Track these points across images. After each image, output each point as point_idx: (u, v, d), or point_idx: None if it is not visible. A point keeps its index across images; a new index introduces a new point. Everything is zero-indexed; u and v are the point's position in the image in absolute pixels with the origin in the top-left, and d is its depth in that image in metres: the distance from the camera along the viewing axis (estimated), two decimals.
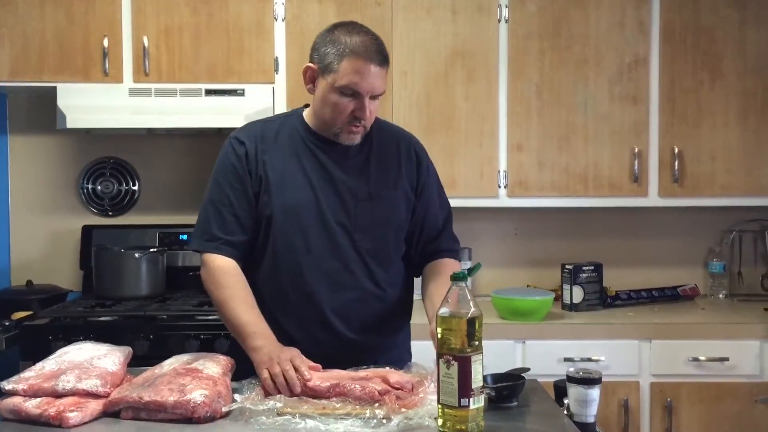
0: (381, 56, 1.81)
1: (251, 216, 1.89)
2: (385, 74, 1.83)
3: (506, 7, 3.10)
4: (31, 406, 1.50)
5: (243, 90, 3.02)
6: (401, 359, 1.92)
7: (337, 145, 1.89)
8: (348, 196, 1.89)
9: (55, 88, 2.97)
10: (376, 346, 1.90)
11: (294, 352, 1.69)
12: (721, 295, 3.41)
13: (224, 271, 1.85)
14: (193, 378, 1.55)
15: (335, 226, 1.88)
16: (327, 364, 1.69)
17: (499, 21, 3.11)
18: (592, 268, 3.14)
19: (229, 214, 1.87)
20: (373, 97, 1.83)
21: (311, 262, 1.87)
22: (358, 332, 1.90)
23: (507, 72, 3.12)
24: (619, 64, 3.12)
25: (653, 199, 3.16)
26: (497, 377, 1.65)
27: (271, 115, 2.99)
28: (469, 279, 2.76)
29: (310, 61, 1.86)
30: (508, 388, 1.61)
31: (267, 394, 1.60)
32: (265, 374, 1.64)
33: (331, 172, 1.89)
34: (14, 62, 3.00)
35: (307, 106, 1.96)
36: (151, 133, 3.31)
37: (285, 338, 1.86)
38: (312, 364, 1.66)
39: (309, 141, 1.91)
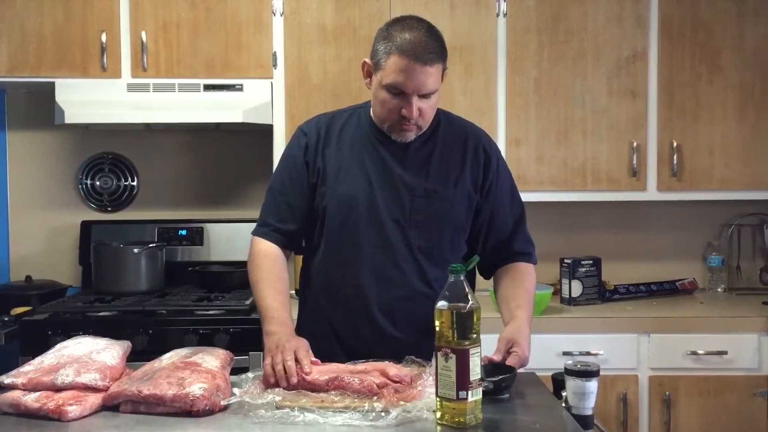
0: (430, 54, 1.74)
1: (306, 206, 1.92)
2: (436, 72, 1.77)
3: (504, 1, 3.09)
4: (31, 399, 1.50)
5: (241, 85, 3.02)
6: None
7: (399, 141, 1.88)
8: (404, 192, 1.87)
9: (53, 83, 2.97)
10: (422, 346, 1.75)
11: (301, 344, 1.68)
12: (719, 289, 3.42)
13: (263, 255, 1.91)
14: (192, 371, 1.55)
15: (389, 221, 1.87)
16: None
17: (498, 15, 3.10)
18: (591, 262, 3.14)
19: (284, 203, 1.92)
20: (425, 96, 1.78)
21: (361, 256, 1.87)
22: (403, 331, 1.88)
23: (505, 66, 3.11)
24: (618, 58, 3.12)
25: (651, 193, 3.15)
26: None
27: (268, 110, 3.01)
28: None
29: (370, 57, 1.84)
30: (507, 380, 1.61)
31: (266, 386, 1.61)
32: (267, 361, 1.65)
33: (390, 167, 1.88)
34: (12, 58, 2.99)
35: None
36: (149, 128, 3.31)
37: (330, 330, 1.89)
38: (314, 359, 1.65)
39: (372, 135, 1.91)
